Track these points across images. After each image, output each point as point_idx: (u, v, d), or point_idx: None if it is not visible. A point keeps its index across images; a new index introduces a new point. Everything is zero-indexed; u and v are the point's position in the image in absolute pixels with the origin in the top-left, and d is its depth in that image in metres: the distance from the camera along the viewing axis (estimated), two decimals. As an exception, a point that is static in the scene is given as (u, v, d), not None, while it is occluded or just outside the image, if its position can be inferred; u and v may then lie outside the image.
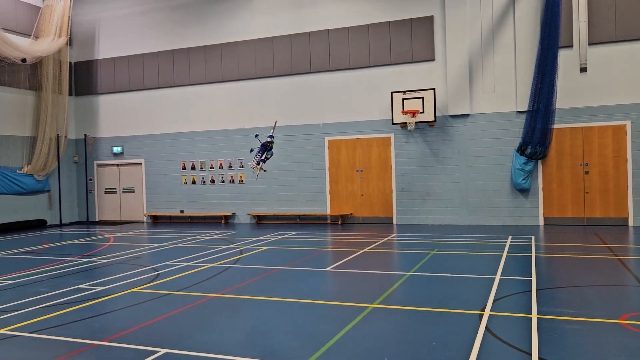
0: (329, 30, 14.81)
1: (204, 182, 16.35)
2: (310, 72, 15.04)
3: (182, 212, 16.62)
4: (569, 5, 12.71)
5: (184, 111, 16.54)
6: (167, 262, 8.98)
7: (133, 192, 17.37)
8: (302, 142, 15.18)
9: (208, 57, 16.14)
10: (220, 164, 16.16)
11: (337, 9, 14.80)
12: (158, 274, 8.00)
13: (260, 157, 10.22)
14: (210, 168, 16.29)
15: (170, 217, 16.79)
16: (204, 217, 16.26)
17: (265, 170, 10.83)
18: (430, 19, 13.95)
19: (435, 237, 11.57)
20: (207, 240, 11.88)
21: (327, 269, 8.16)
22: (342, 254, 9.50)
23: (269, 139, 10.60)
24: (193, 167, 16.53)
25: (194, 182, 16.47)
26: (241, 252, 10.04)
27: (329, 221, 14.95)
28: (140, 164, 17.22)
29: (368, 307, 5.77)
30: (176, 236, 12.85)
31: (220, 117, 16.12)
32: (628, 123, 12.43)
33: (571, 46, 12.78)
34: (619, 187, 12.53)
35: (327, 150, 14.96)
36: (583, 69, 12.73)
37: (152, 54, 16.80)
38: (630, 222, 12.42)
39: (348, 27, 14.64)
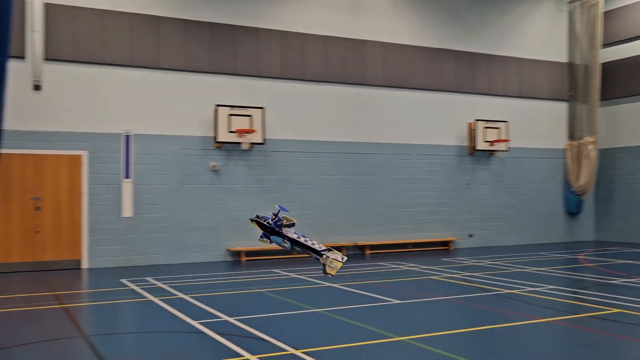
0: None
1: None
2: None
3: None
4: (21, 9, 13.02)
5: None
6: None
7: None
8: None
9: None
10: None
11: None
12: None
13: None
14: None
15: None
16: None
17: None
18: None
19: None
20: None
21: None
22: None
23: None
24: None
25: None
26: None
27: None
28: None
29: None
30: None
31: None
32: (84, 153, 13.64)
33: (24, 58, 13.10)
34: (73, 226, 13.49)
35: None
36: (37, 87, 13.23)
37: None
38: (84, 264, 13.54)
39: None
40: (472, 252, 16.74)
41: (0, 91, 12.48)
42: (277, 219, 6.37)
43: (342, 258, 6.34)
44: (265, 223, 6.28)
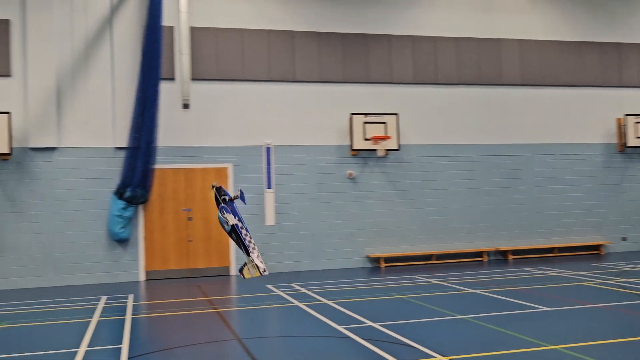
0: None
1: None
2: None
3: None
4: (170, 35, 14.04)
5: None
6: None
7: None
8: None
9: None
10: None
11: None
12: None
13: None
14: None
15: None
16: None
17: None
18: (5, 23, 13.24)
19: (5, 306, 10.71)
20: None
21: None
22: None
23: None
24: None
25: None
26: None
27: None
28: None
29: None
30: None
31: None
32: (230, 166, 14.40)
33: (173, 79, 14.10)
34: (221, 235, 14.25)
35: None
36: (186, 105, 14.17)
37: None
38: (232, 271, 14.26)
39: None
40: (626, 256, 15.59)
41: (154, 111, 13.63)
42: (232, 203, 6.67)
43: (263, 271, 6.58)
44: (220, 199, 6.60)
